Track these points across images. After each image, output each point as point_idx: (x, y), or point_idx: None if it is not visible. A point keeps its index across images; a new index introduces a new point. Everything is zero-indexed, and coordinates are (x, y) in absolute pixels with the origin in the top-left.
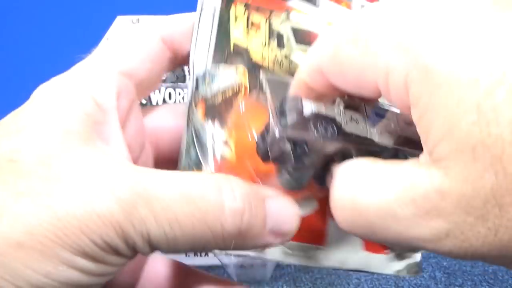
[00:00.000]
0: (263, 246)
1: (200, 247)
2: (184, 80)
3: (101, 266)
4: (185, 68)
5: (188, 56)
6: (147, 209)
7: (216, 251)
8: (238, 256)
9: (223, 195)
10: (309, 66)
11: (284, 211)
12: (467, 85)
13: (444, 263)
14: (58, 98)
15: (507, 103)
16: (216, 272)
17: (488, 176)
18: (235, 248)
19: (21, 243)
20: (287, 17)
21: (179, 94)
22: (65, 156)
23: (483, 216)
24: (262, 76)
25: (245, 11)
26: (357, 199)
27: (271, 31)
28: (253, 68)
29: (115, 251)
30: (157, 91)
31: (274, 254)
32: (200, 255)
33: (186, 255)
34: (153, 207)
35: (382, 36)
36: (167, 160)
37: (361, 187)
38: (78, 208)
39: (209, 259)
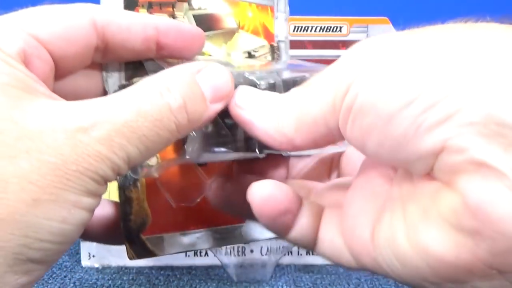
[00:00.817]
0: (212, 116)
1: (164, 147)
2: None
3: (98, 199)
4: None
5: (120, 52)
6: (120, 137)
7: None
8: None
9: (166, 98)
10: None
11: (216, 77)
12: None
13: None
14: None
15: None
16: (216, 272)
17: None
18: (188, 131)
19: (36, 199)
20: (190, 5)
21: None
22: (22, 110)
23: None
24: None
25: (149, 12)
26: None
27: None
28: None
29: (106, 181)
30: None
31: (207, 243)
32: (200, 255)
33: (186, 255)
34: (124, 134)
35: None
36: None
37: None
38: (70, 154)
39: (209, 259)
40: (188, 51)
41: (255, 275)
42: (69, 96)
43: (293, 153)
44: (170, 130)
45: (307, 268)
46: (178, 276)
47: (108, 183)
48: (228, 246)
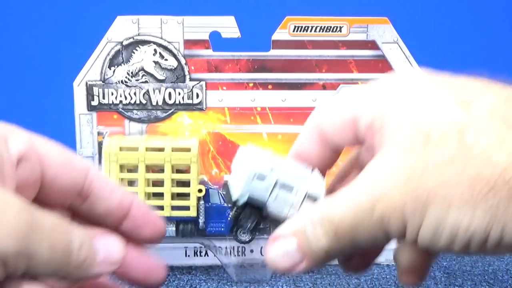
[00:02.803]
0: (99, 274)
1: (55, 273)
2: (184, 80)
3: None
4: (185, 68)
5: (97, 208)
6: (39, 233)
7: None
8: None
9: (74, 231)
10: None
11: (111, 244)
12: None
13: (444, 263)
14: None
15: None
16: (216, 272)
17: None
18: (76, 276)
19: None
20: None
21: (179, 94)
22: None
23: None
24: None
25: None
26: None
27: None
28: None
29: (4, 264)
30: (157, 91)
31: None
32: (200, 255)
33: (186, 255)
34: (43, 233)
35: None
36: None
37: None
38: None
39: (209, 259)
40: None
41: (255, 275)
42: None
43: None
44: (69, 260)
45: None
46: (178, 276)
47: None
48: (228, 246)
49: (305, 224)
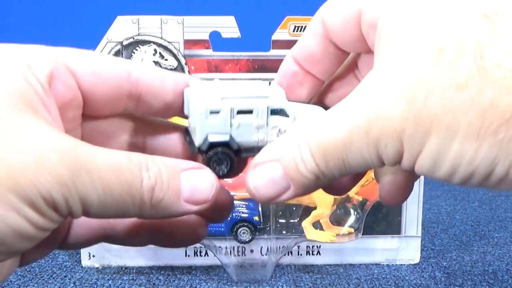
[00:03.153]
0: (183, 213)
1: (121, 213)
2: None
3: (43, 219)
4: (185, 68)
5: (152, 103)
6: (87, 176)
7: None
8: None
9: (142, 172)
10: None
11: (199, 182)
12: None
13: (444, 263)
14: None
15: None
16: (216, 272)
17: None
18: (153, 216)
19: None
20: None
21: None
22: (12, 120)
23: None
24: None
25: None
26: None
27: None
28: None
29: (55, 208)
30: None
31: None
32: (200, 255)
33: (186, 255)
34: (92, 175)
35: None
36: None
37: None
38: (30, 163)
39: (209, 259)
40: None
41: (255, 275)
42: (98, 138)
43: None
44: (133, 201)
45: (307, 268)
46: (178, 276)
47: (60, 219)
48: (228, 246)
49: (291, 147)
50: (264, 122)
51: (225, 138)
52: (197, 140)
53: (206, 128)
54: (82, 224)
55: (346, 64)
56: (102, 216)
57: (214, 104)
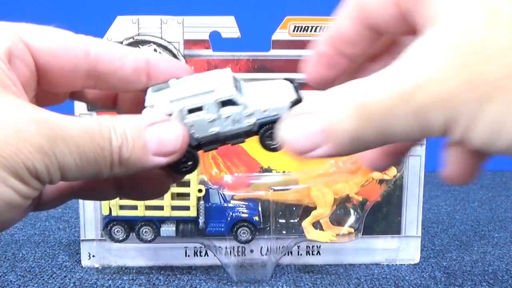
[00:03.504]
0: (154, 167)
1: (95, 175)
2: None
3: (27, 188)
4: None
5: (112, 81)
6: (64, 144)
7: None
8: None
9: (111, 134)
10: None
11: (165, 134)
12: None
13: (444, 263)
14: None
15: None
16: (216, 272)
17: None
18: (125, 173)
19: None
20: None
21: None
22: None
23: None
24: None
25: None
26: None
27: None
28: None
29: (38, 177)
30: None
31: None
32: (200, 255)
33: (186, 255)
34: (68, 143)
35: None
36: None
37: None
38: (12, 136)
39: (209, 259)
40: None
41: (255, 275)
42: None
43: None
44: (105, 162)
45: (307, 268)
46: (178, 276)
47: (41, 187)
48: (228, 246)
49: (333, 103)
50: (216, 115)
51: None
52: None
53: None
54: (52, 186)
55: (381, 45)
56: (78, 179)
57: (165, 109)
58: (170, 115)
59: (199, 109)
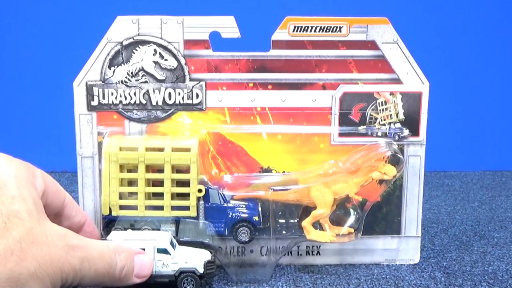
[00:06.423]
0: (131, 284)
1: (98, 285)
2: (184, 80)
3: None
4: (185, 68)
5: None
6: (87, 264)
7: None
8: None
9: (116, 256)
10: None
11: (144, 262)
12: None
13: (444, 263)
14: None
15: None
16: (216, 272)
17: None
18: (118, 285)
19: None
20: None
21: (179, 94)
22: (39, 221)
23: None
24: None
25: None
26: None
27: None
28: None
29: (64, 284)
30: (157, 91)
31: None
32: None
33: None
34: (90, 263)
35: None
36: None
37: None
38: (58, 258)
39: None
40: None
41: (255, 275)
42: None
43: None
44: (111, 276)
45: (307, 268)
46: None
47: None
48: (228, 246)
49: None
50: (151, 257)
51: None
52: None
53: None
54: None
55: None
56: (87, 286)
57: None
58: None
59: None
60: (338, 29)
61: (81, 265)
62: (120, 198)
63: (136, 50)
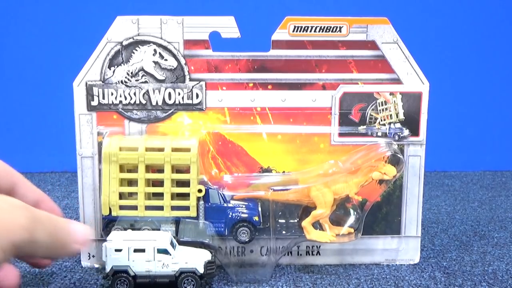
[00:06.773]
0: (75, 252)
1: (52, 255)
2: (184, 80)
3: (4, 257)
4: (185, 68)
5: None
6: (39, 224)
7: None
8: None
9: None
10: None
11: (80, 228)
12: None
13: (444, 263)
14: None
15: None
16: (216, 272)
17: None
18: (62, 255)
19: None
20: None
21: (179, 94)
22: None
23: None
24: None
25: None
26: None
27: None
28: None
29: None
30: (157, 91)
31: None
32: None
33: None
34: (42, 228)
35: None
36: None
37: None
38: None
39: None
40: None
41: (255, 275)
42: None
43: None
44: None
45: (307, 268)
46: None
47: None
48: (228, 246)
49: None
50: (152, 258)
51: (125, 268)
52: (106, 269)
53: (112, 261)
54: None
55: None
56: (39, 256)
57: (118, 245)
58: (121, 250)
59: (142, 250)
60: (338, 29)
61: (34, 225)
62: (120, 198)
63: (136, 50)
